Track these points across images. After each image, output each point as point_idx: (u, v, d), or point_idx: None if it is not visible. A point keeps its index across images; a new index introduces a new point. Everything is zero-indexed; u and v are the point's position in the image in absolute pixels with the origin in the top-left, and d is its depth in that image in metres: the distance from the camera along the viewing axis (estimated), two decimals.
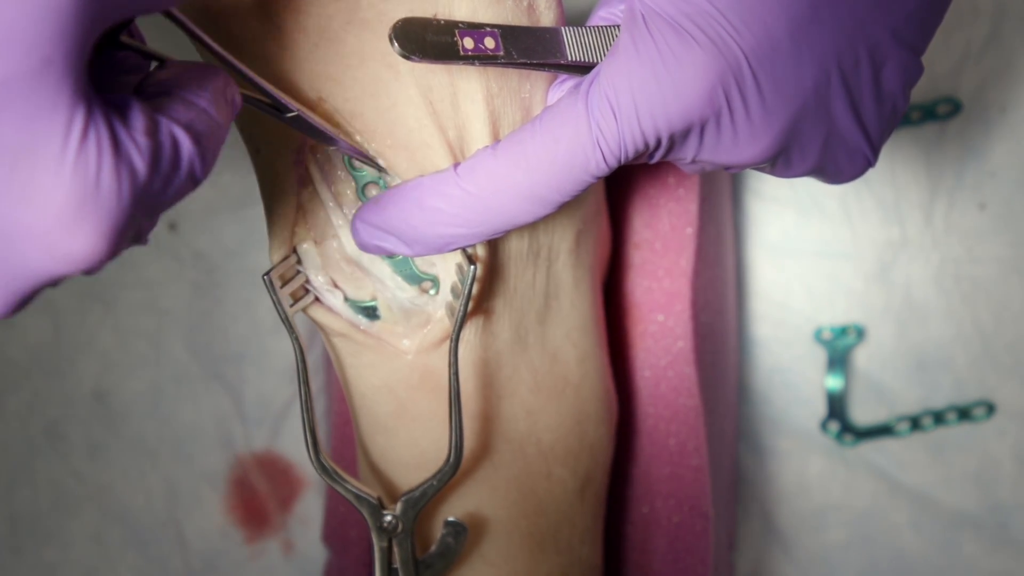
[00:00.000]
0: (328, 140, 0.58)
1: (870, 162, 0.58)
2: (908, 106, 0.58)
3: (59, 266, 0.43)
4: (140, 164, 0.44)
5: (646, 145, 0.53)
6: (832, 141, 0.56)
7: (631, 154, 0.53)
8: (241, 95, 0.53)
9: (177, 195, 0.46)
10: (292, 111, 0.56)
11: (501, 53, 0.56)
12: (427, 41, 0.55)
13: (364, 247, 0.59)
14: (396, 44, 0.54)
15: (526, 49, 0.56)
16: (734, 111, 0.53)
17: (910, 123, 0.90)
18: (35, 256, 0.43)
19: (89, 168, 0.42)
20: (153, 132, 0.45)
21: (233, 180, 0.94)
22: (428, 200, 0.56)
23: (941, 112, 0.90)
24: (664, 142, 0.54)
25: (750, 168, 0.57)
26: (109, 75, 0.49)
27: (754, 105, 0.53)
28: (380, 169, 0.60)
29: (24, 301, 0.45)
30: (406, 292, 0.62)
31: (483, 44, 0.56)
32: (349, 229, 0.61)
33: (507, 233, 0.57)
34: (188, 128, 0.46)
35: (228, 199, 0.94)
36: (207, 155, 0.47)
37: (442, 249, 0.57)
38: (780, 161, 0.56)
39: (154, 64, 0.51)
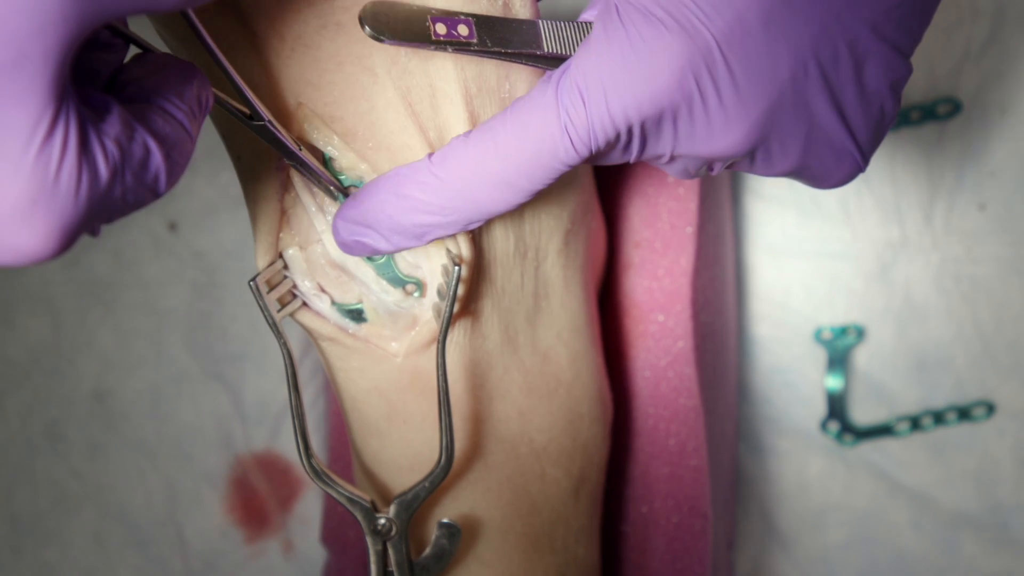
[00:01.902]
0: (290, 155, 0.58)
1: (860, 166, 0.57)
2: (899, 110, 0.57)
3: (5, 258, 0.43)
4: (104, 170, 0.44)
5: (617, 133, 0.53)
6: (815, 138, 0.55)
7: (601, 142, 0.53)
8: (213, 96, 0.53)
9: (136, 205, 0.46)
10: (262, 120, 0.56)
11: (475, 40, 0.56)
12: (398, 24, 0.54)
13: (344, 245, 0.59)
14: (366, 26, 0.54)
15: (501, 39, 0.56)
16: (706, 97, 0.52)
17: (910, 123, 0.90)
18: None
19: (50, 166, 0.42)
20: (127, 141, 0.45)
21: (233, 180, 0.94)
22: (403, 188, 0.56)
23: (941, 112, 0.90)
24: (636, 131, 0.53)
25: (729, 161, 0.56)
26: (85, 52, 0.48)
27: (727, 91, 0.52)
28: (339, 193, 0.60)
29: None
30: (391, 295, 0.62)
31: (456, 31, 0.55)
32: (331, 233, 0.61)
33: (485, 223, 0.57)
34: (162, 141, 0.46)
35: (228, 199, 0.95)
36: (175, 169, 0.47)
37: (420, 239, 0.57)
38: (760, 155, 0.56)
39: (131, 50, 0.50)
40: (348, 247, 0.59)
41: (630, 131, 0.53)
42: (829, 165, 0.57)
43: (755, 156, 0.56)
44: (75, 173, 0.43)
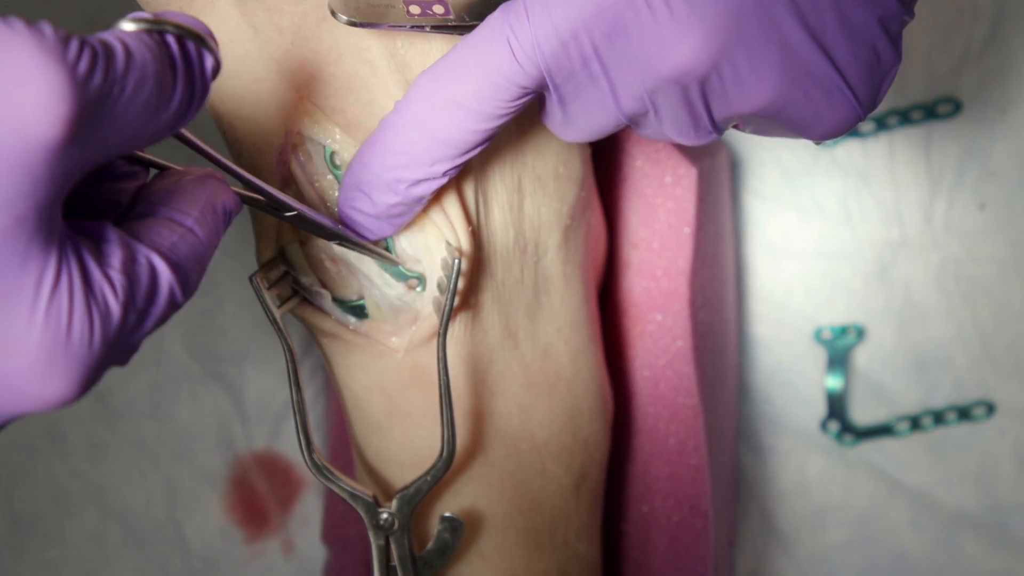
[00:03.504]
0: (332, 236, 0.58)
1: (855, 107, 0.54)
2: (900, 59, 0.55)
3: (31, 408, 0.43)
4: (114, 305, 0.43)
5: (562, 45, 0.52)
6: (793, 67, 0.52)
7: (547, 53, 0.52)
8: (239, 196, 0.52)
9: (157, 323, 0.46)
10: (293, 210, 0.56)
11: (452, 17, 0.56)
12: (369, 6, 0.54)
13: (344, 216, 0.59)
14: (337, 13, 0.54)
15: (480, 13, 0.56)
16: (651, 1, 0.50)
17: (910, 123, 0.90)
18: (6, 399, 0.43)
19: (61, 317, 0.42)
20: (129, 266, 0.44)
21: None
22: (376, 136, 0.56)
23: (941, 112, 0.90)
24: (587, 45, 0.52)
25: (697, 81, 0.53)
26: (99, 184, 0.48)
27: None
28: (385, 258, 0.61)
29: None
30: (393, 289, 0.62)
31: (431, 10, 0.55)
32: None
33: (455, 166, 0.56)
34: (168, 254, 0.46)
35: None
36: (189, 278, 0.47)
37: (395, 189, 0.57)
38: (729, 75, 0.52)
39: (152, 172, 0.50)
40: (346, 216, 0.59)
41: (580, 47, 0.52)
42: (818, 104, 0.54)
43: (724, 77, 0.53)
44: (86, 319, 0.42)
